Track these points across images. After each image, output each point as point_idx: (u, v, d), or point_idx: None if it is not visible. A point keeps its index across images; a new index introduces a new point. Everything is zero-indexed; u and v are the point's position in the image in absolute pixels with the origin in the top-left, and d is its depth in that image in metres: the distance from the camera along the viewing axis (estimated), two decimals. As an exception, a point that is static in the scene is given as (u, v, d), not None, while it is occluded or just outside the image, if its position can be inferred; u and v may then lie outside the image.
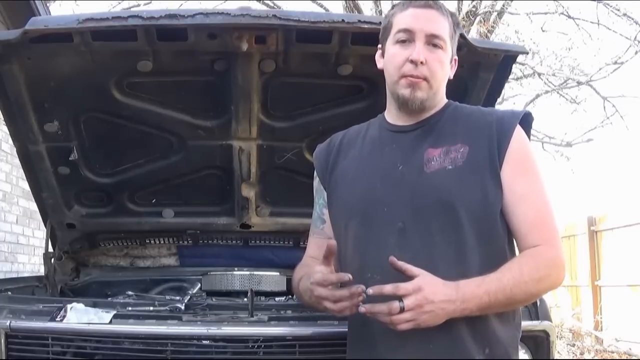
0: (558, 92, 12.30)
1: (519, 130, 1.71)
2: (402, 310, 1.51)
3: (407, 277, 1.55)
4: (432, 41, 1.70)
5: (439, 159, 1.68)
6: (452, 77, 1.80)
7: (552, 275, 1.65)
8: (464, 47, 2.26)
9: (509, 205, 1.67)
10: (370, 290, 1.54)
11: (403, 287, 1.52)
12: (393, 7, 1.81)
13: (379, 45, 1.82)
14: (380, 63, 1.81)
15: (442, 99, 1.80)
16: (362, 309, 1.55)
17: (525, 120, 1.74)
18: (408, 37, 1.70)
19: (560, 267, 1.67)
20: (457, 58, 1.82)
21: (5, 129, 3.07)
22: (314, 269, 1.66)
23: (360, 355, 1.70)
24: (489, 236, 1.66)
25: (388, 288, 1.52)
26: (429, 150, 1.70)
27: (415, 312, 1.51)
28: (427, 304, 1.51)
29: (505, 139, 1.68)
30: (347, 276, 1.57)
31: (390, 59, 1.74)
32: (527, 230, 1.66)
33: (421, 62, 1.67)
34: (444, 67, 1.72)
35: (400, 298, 1.51)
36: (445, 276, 1.58)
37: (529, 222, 1.66)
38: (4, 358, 2.03)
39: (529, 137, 1.76)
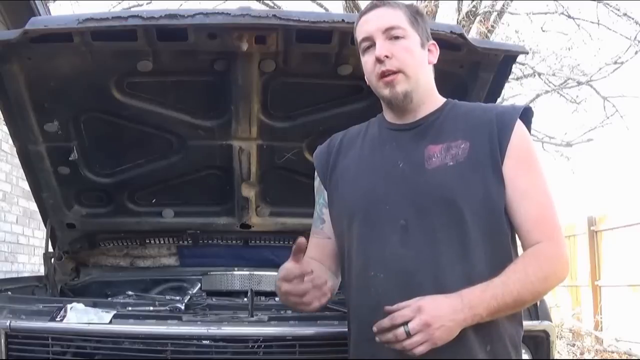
0: (558, 92, 12.28)
1: (519, 125, 1.71)
2: (409, 334, 1.50)
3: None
4: (391, 34, 1.71)
5: (440, 156, 1.68)
6: (434, 62, 1.80)
7: (557, 272, 1.66)
8: (464, 47, 2.26)
9: (512, 202, 1.67)
10: (374, 328, 1.55)
11: (400, 314, 1.52)
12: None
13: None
14: (367, 80, 1.81)
15: (433, 93, 1.80)
16: (377, 339, 1.56)
17: (525, 115, 1.74)
18: (370, 43, 1.74)
19: (564, 262, 1.67)
20: (434, 43, 1.82)
21: (5, 129, 3.08)
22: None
23: (363, 355, 1.70)
24: (493, 232, 1.66)
25: (385, 322, 1.53)
26: (429, 147, 1.70)
27: (425, 332, 1.50)
28: (434, 321, 1.51)
29: (506, 134, 1.68)
30: (310, 269, 1.60)
31: (365, 69, 1.77)
32: (530, 227, 1.66)
33: (386, 57, 1.69)
34: (413, 54, 1.73)
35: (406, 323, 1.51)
36: (450, 273, 1.60)
37: (532, 219, 1.66)
38: (4, 358, 2.03)
39: (529, 132, 1.76)
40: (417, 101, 1.75)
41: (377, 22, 1.73)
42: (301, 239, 1.62)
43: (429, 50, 1.79)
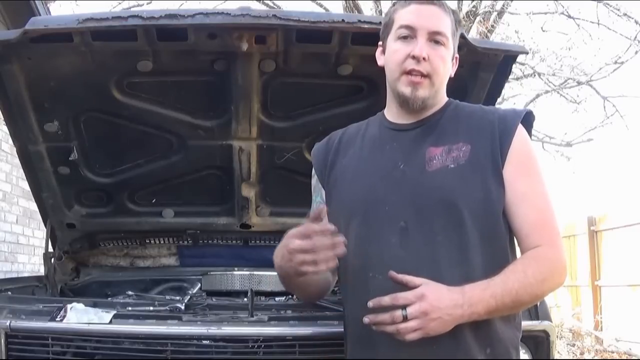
0: (558, 92, 12.28)
1: (520, 129, 1.71)
2: (405, 318, 1.50)
3: (410, 287, 1.55)
4: (434, 38, 1.69)
5: (441, 158, 1.68)
6: (452, 76, 1.79)
7: (555, 275, 1.66)
8: (464, 47, 2.25)
9: (511, 205, 1.67)
10: (370, 303, 1.54)
11: (402, 296, 1.51)
12: (394, 3, 1.80)
13: (380, 43, 1.81)
14: (380, 60, 1.80)
15: (442, 98, 1.79)
16: (366, 319, 1.55)
17: (527, 119, 1.74)
18: (410, 34, 1.69)
19: (562, 267, 1.67)
20: (457, 56, 1.81)
21: (5, 129, 3.08)
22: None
23: (360, 355, 1.70)
24: (491, 235, 1.66)
25: (386, 299, 1.52)
26: (430, 149, 1.70)
27: (421, 320, 1.50)
28: (433, 311, 1.50)
29: (508, 137, 1.68)
30: (331, 227, 1.54)
31: (391, 55, 1.73)
32: (529, 231, 1.66)
33: (423, 58, 1.66)
34: (445, 64, 1.72)
35: (403, 307, 1.50)
36: (448, 275, 1.59)
37: (531, 223, 1.66)
38: (4, 358, 2.03)
39: (530, 136, 1.76)
40: (427, 107, 1.74)
41: (428, 21, 1.69)
42: (322, 206, 1.61)
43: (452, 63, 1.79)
